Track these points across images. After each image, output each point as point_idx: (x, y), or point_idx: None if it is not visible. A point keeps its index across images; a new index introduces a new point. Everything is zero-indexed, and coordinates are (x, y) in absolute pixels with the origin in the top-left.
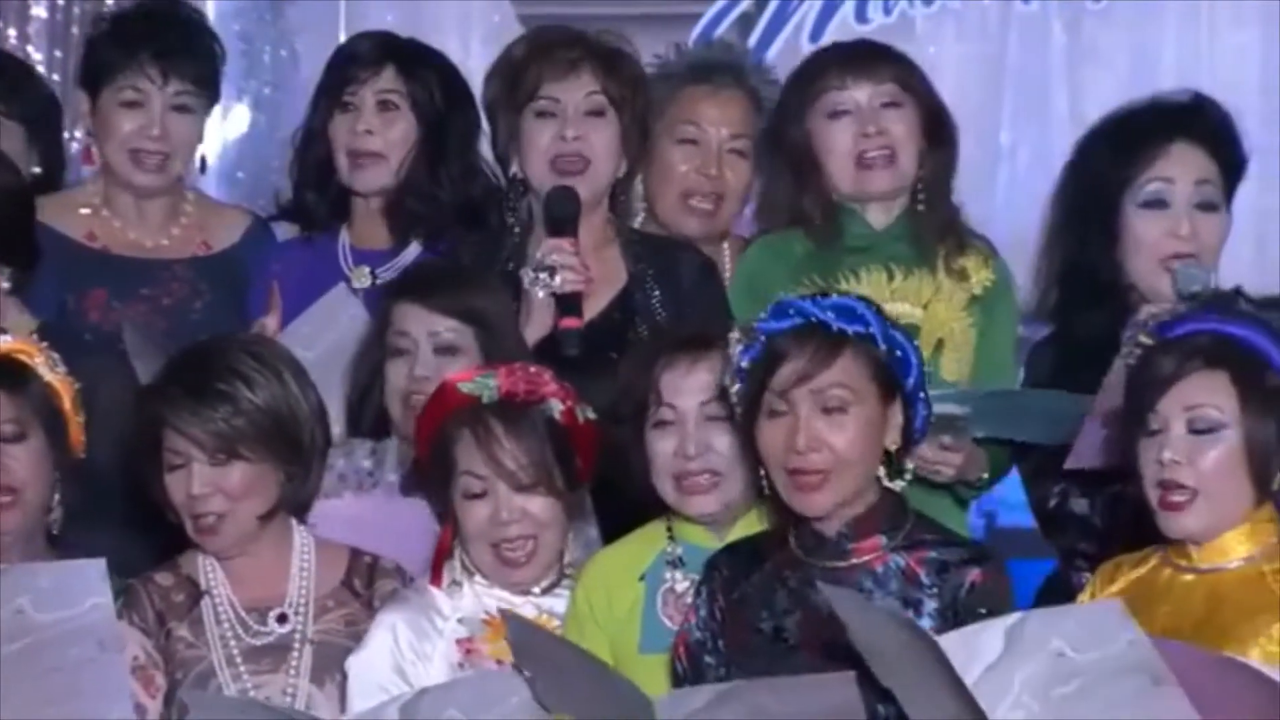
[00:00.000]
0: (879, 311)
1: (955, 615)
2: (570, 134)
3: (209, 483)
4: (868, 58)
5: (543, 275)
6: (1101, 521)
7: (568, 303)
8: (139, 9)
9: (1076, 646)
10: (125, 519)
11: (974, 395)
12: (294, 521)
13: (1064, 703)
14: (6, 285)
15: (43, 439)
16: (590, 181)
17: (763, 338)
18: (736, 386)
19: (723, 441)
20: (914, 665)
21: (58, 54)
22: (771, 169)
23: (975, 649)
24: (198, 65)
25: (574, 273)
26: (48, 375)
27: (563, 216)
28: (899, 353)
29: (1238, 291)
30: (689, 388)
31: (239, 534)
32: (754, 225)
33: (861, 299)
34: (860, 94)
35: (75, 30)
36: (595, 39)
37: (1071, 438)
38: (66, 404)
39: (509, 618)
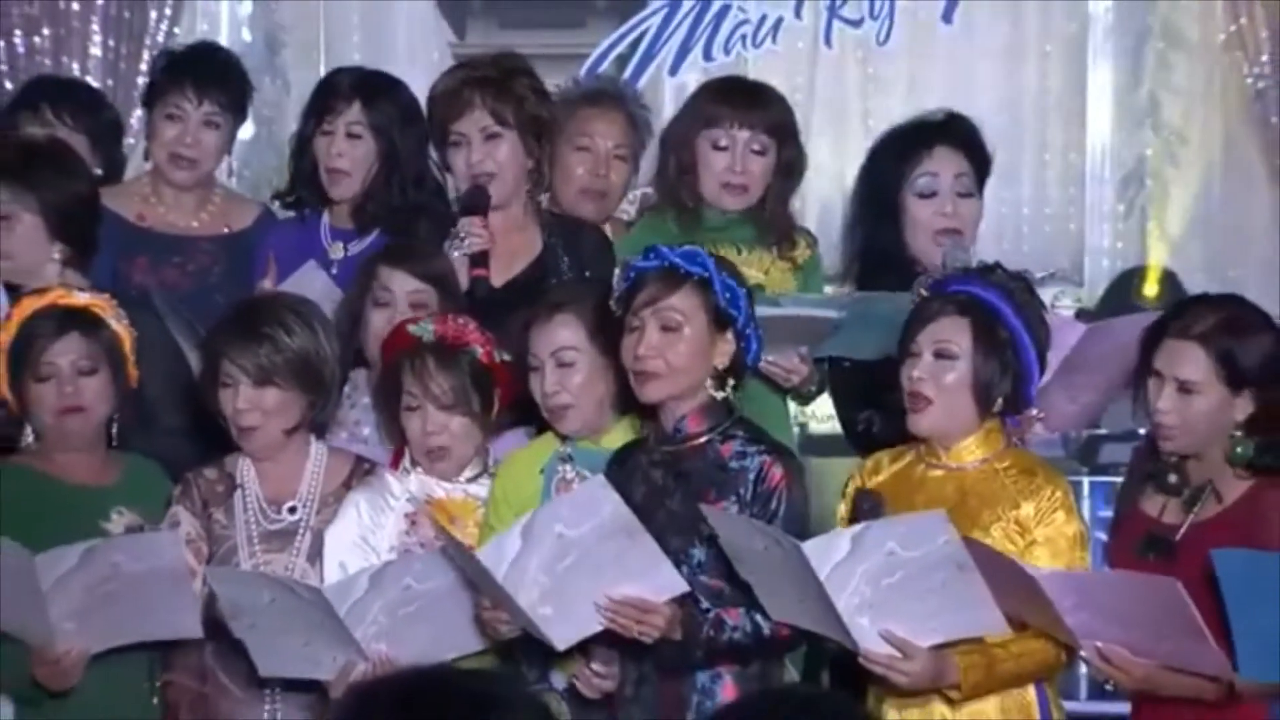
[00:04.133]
0: (718, 262)
1: (750, 493)
2: (475, 159)
3: (248, 400)
4: (754, 106)
5: (456, 242)
6: (902, 442)
7: (477, 259)
8: (189, 48)
9: (904, 546)
10: (169, 429)
11: (842, 302)
12: (313, 436)
13: (889, 589)
14: (58, 257)
15: (108, 373)
16: (499, 186)
17: (633, 273)
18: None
19: (572, 381)
20: (771, 565)
21: (110, 82)
22: (664, 157)
23: (829, 551)
24: (227, 91)
25: (479, 238)
26: (114, 325)
27: (473, 206)
28: (729, 295)
29: (997, 265)
30: (544, 340)
31: (268, 441)
32: (636, 215)
33: (708, 252)
34: (740, 135)
35: (123, 65)
36: (484, 75)
37: (894, 349)
38: (127, 347)
39: (449, 543)
